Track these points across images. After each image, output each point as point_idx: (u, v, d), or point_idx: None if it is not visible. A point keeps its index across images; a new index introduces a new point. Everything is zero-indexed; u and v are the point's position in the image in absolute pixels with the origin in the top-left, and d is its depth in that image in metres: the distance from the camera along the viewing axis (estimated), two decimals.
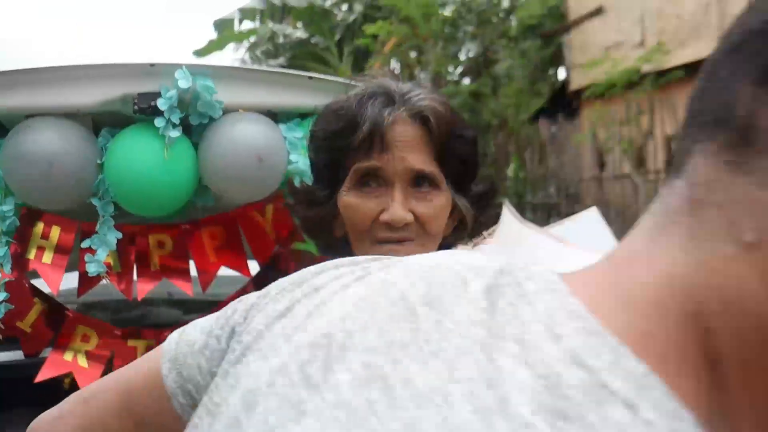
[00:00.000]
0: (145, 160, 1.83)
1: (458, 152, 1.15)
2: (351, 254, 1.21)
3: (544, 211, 9.12)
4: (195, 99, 1.83)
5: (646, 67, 7.48)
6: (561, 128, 9.28)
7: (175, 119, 1.82)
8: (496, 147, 10.84)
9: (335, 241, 1.21)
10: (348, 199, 1.15)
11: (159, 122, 1.81)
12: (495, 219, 1.17)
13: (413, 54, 10.65)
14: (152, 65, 1.81)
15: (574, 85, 10.07)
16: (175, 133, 1.82)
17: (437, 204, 1.14)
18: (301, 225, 1.25)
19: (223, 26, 13.14)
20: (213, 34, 12.89)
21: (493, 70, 10.92)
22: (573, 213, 7.35)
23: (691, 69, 7.38)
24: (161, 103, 1.79)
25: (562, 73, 11.62)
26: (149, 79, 1.82)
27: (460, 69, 11.66)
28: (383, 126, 1.10)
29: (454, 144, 1.14)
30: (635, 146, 7.23)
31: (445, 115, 1.12)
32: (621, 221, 7.62)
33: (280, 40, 13.10)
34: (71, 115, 1.86)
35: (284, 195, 1.27)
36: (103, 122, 1.95)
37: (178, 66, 1.80)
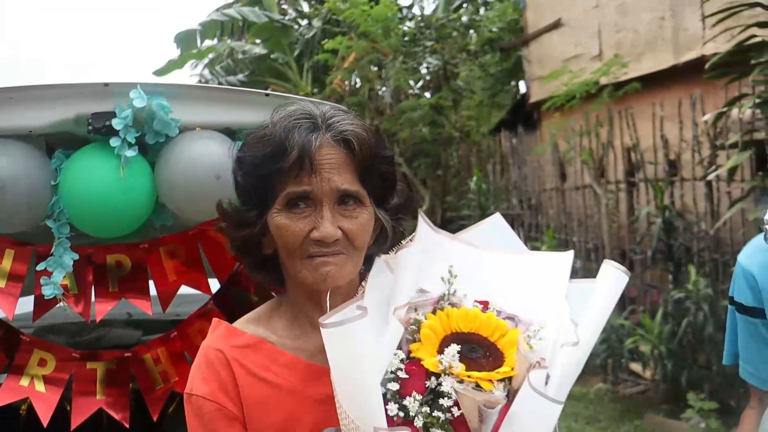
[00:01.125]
0: (101, 181, 1.81)
1: (379, 171, 1.23)
2: (279, 271, 1.28)
3: (507, 221, 9.18)
4: (150, 118, 1.82)
5: (604, 80, 7.61)
6: (521, 140, 9.38)
7: (131, 139, 1.80)
8: (459, 159, 10.92)
9: (264, 258, 1.27)
10: (279, 220, 1.20)
11: (114, 142, 1.79)
12: (413, 228, 1.27)
13: (373, 68, 10.69)
14: (106, 85, 1.80)
15: (534, 98, 10.21)
16: (130, 153, 1.80)
17: (362, 220, 1.21)
18: (231, 245, 1.29)
19: (185, 41, 13.05)
20: (171, 53, 12.78)
21: (454, 84, 11.03)
22: (536, 223, 7.41)
23: (647, 81, 7.55)
24: (116, 123, 1.78)
25: (522, 86, 11.79)
26: (103, 98, 1.80)
27: (420, 83, 11.75)
28: (311, 151, 1.16)
29: (375, 164, 1.22)
30: (595, 157, 7.34)
31: (366, 138, 1.20)
32: (583, 230, 7.73)
33: (239, 56, 13.07)
34: (23, 137, 1.83)
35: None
36: (57, 143, 1.93)
37: (133, 85, 1.79)
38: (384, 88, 11.04)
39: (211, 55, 13.78)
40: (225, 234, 1.28)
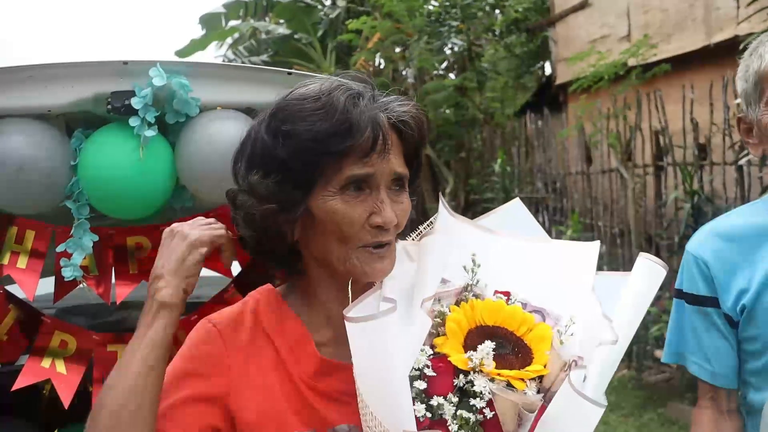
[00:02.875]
0: (120, 161, 1.78)
1: (421, 155, 1.20)
2: (291, 260, 1.18)
3: (531, 206, 9.10)
4: (170, 97, 1.79)
5: (632, 61, 7.45)
6: (547, 123, 9.24)
7: (150, 118, 1.77)
8: (482, 142, 10.82)
9: (286, 245, 1.15)
10: (334, 204, 1.10)
11: (134, 122, 1.76)
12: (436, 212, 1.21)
13: (397, 49, 10.59)
14: (125, 63, 1.76)
15: (560, 80, 10.05)
16: (150, 133, 1.77)
17: (407, 205, 1.16)
18: (247, 224, 1.16)
19: (210, 22, 13.03)
20: (194, 33, 12.77)
21: (479, 65, 10.89)
22: (561, 207, 7.29)
23: (677, 62, 7.38)
24: (135, 102, 1.74)
25: (547, 68, 11.62)
26: (123, 77, 1.77)
27: (445, 64, 11.63)
28: (384, 129, 1.09)
29: (422, 148, 1.18)
30: (622, 140, 7.19)
31: (423, 121, 1.15)
32: (609, 215, 7.61)
33: (263, 36, 13.01)
34: (42, 117, 1.80)
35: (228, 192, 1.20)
36: (77, 123, 1.90)
37: (152, 63, 1.75)
38: (408, 69, 10.95)
39: (235, 36, 13.75)
40: (250, 220, 1.14)
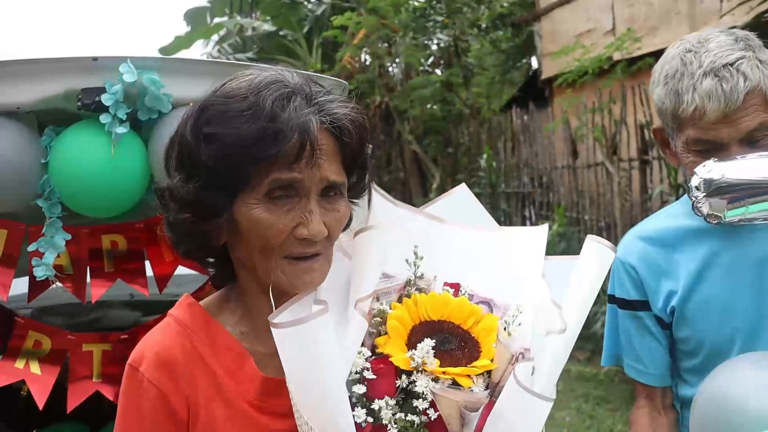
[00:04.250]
0: (92, 159, 1.75)
1: (362, 161, 1.11)
2: (224, 264, 1.13)
3: (517, 201, 9.12)
4: (142, 93, 1.76)
5: (617, 55, 7.47)
6: (533, 117, 9.26)
7: (122, 115, 1.74)
8: (469, 137, 10.82)
9: (212, 250, 1.11)
10: (258, 213, 1.02)
11: (105, 118, 1.73)
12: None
13: (383, 45, 10.57)
14: (95, 59, 1.73)
15: (546, 74, 10.06)
16: (122, 130, 1.74)
17: (343, 213, 1.08)
18: (171, 232, 1.10)
19: (195, 18, 12.95)
20: (178, 29, 12.71)
21: (465, 60, 10.89)
22: (547, 201, 7.30)
23: (661, 56, 7.39)
24: (106, 99, 1.71)
25: (534, 63, 11.63)
26: (93, 73, 1.73)
27: (431, 60, 11.61)
28: (313, 134, 1.00)
29: (359, 151, 1.09)
30: (608, 134, 7.21)
31: (362, 124, 1.07)
32: (595, 209, 7.63)
33: (249, 33, 12.95)
34: (12, 114, 1.77)
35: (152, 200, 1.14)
36: (49, 120, 1.87)
37: (123, 59, 1.72)
38: (394, 65, 10.93)
39: (221, 32, 13.69)
40: (173, 223, 1.08)
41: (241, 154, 0.99)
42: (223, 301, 1.18)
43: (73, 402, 2.03)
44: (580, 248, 1.12)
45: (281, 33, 12.38)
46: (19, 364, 2.04)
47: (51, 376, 2.04)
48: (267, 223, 1.02)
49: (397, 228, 1.12)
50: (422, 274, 1.10)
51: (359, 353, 1.00)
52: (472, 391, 0.99)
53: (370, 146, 1.14)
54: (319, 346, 0.92)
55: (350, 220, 1.15)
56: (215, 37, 13.81)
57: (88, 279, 2.07)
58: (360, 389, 0.97)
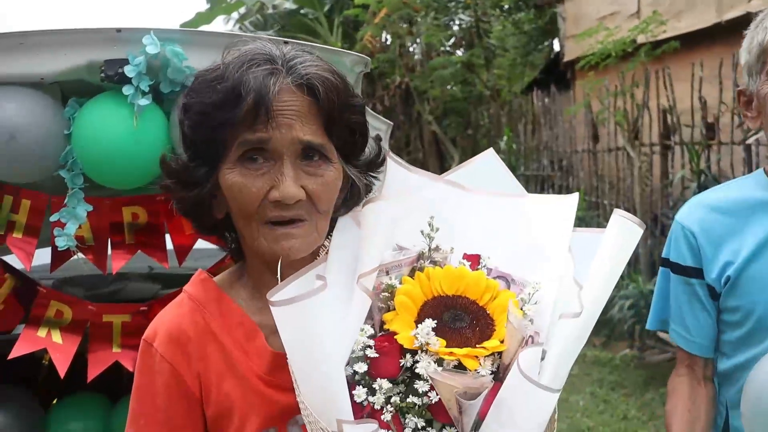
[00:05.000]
0: (114, 130, 1.76)
1: (348, 122, 1.08)
2: (236, 236, 1.14)
3: (537, 184, 9.07)
4: (165, 66, 1.76)
5: (641, 38, 7.35)
6: (554, 100, 9.17)
7: (144, 87, 1.75)
8: (489, 119, 10.75)
9: (217, 222, 1.12)
10: (232, 177, 1.04)
11: (127, 90, 1.74)
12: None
13: (404, 25, 10.50)
14: (119, 30, 1.73)
15: (568, 57, 9.94)
16: (144, 102, 1.75)
17: (328, 178, 1.06)
18: (177, 206, 1.13)
19: None
20: (199, 5, 12.70)
21: (486, 41, 10.79)
22: (567, 186, 7.24)
23: (686, 40, 7.28)
24: (129, 71, 1.72)
25: (556, 45, 11.51)
26: (116, 45, 1.74)
27: (452, 40, 11.53)
28: (269, 96, 1.00)
29: (343, 113, 1.06)
30: (629, 118, 7.13)
31: (333, 83, 1.04)
32: (615, 193, 7.57)
33: (269, 11, 12.91)
34: (36, 85, 1.78)
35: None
36: (72, 91, 1.88)
37: (146, 31, 1.73)
38: (415, 45, 10.86)
39: (241, 10, 13.66)
40: (171, 194, 1.11)
41: (208, 120, 1.03)
42: (235, 275, 1.19)
43: (93, 372, 2.06)
44: None
45: (302, 11, 12.33)
46: (42, 332, 2.07)
47: (72, 345, 2.07)
48: (240, 186, 1.03)
49: (413, 197, 1.08)
50: (437, 246, 1.04)
51: (362, 330, 0.95)
52: (477, 374, 0.93)
53: (359, 109, 1.10)
54: (317, 324, 0.89)
55: (370, 190, 1.14)
56: (236, 15, 13.79)
57: (109, 251, 2.09)
58: (362, 368, 0.93)
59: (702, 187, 5.87)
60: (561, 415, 5.28)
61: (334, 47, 1.96)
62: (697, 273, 1.60)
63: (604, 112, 7.62)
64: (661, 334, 6.31)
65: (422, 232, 1.03)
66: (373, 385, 0.92)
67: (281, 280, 0.92)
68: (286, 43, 1.18)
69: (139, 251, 2.09)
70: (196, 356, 1.11)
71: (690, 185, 6.11)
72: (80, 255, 2.01)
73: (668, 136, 6.85)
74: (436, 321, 0.95)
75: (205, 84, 1.04)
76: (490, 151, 1.18)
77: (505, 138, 9.07)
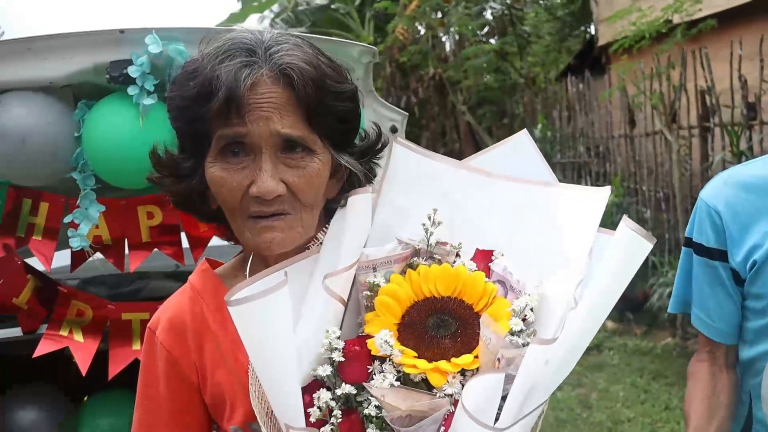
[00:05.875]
0: (121, 131, 1.78)
1: (333, 110, 1.03)
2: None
3: (573, 171, 8.93)
4: (168, 64, 1.77)
5: (676, 18, 7.16)
6: (589, 86, 9.00)
7: (149, 86, 1.76)
8: (524, 107, 10.62)
9: (213, 213, 1.10)
10: (213, 171, 1.02)
11: (132, 90, 1.75)
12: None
13: (435, 15, 10.43)
14: (122, 32, 1.75)
15: (602, 40, 9.76)
16: (149, 101, 1.76)
17: (311, 170, 1.02)
18: (170, 199, 1.13)
19: None
20: (231, 5, 12.80)
21: (519, 29, 10.66)
22: (604, 172, 7.09)
23: (724, 17, 7.08)
24: (132, 71, 1.74)
25: (591, 30, 11.31)
26: (120, 46, 1.76)
27: (486, 29, 11.42)
28: (240, 90, 0.97)
29: (326, 102, 1.02)
30: (666, 101, 6.95)
31: (311, 71, 1.00)
32: (653, 179, 7.40)
33: (302, 7, 12.96)
34: (46, 89, 1.81)
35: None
36: (84, 94, 1.91)
37: (148, 31, 1.74)
38: (447, 36, 10.78)
39: (274, 8, 13.75)
40: (161, 187, 1.11)
41: (187, 113, 1.02)
42: (237, 267, 1.19)
43: (114, 369, 2.10)
44: (637, 221, 0.96)
45: (333, 6, 12.35)
46: (64, 331, 2.12)
47: (93, 343, 2.11)
48: (220, 180, 1.02)
49: (425, 186, 1.02)
50: (436, 242, 0.97)
51: (327, 332, 0.90)
52: (443, 391, 0.84)
53: (345, 95, 1.05)
54: (269, 326, 0.84)
55: (371, 179, 1.11)
56: (268, 13, 13.89)
57: (127, 250, 2.12)
58: (325, 371, 0.88)
59: None
60: (601, 405, 5.20)
61: (366, 44, 1.94)
62: (721, 255, 1.48)
63: (639, 96, 7.46)
64: None
65: (423, 224, 0.97)
66: (336, 390, 0.87)
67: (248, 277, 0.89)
68: (272, 27, 1.15)
69: (155, 250, 2.11)
70: (193, 345, 1.14)
71: (730, 167, 5.94)
72: (97, 255, 2.05)
73: (707, 118, 6.67)
74: (417, 325, 0.89)
75: (184, 77, 1.03)
76: (524, 132, 1.09)
77: (539, 126, 8.95)
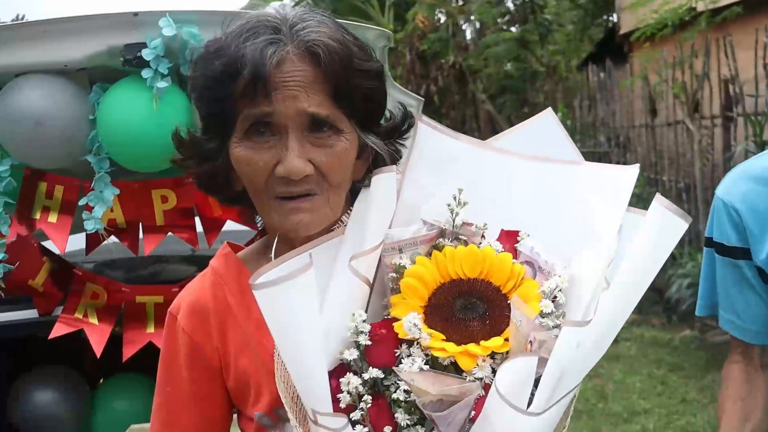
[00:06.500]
0: (136, 114, 1.78)
1: (360, 88, 1.00)
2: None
3: (594, 160, 8.82)
4: (183, 47, 1.77)
5: (700, 5, 7.05)
6: (610, 74, 8.91)
7: (163, 69, 1.76)
8: (544, 96, 10.54)
9: (237, 194, 1.09)
10: (239, 151, 1.00)
11: (146, 73, 1.75)
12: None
13: (456, 3, 10.36)
14: (135, 14, 1.75)
15: (624, 29, 9.64)
16: (163, 84, 1.76)
17: (339, 150, 1.00)
18: (194, 181, 1.11)
19: None
20: None
21: (540, 17, 10.56)
22: (625, 162, 7.04)
23: (749, 4, 6.95)
24: (146, 54, 1.73)
25: (614, 18, 11.18)
26: (134, 29, 1.76)
27: (507, 17, 11.32)
28: (266, 68, 0.95)
29: (353, 80, 0.99)
30: (689, 91, 6.86)
31: (337, 48, 0.97)
32: (674, 169, 7.32)
33: None
34: (62, 72, 1.82)
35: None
36: (98, 77, 1.91)
37: (163, 14, 1.74)
38: (467, 24, 10.71)
39: None
40: (185, 169, 1.10)
41: (211, 93, 1.00)
42: (260, 251, 1.17)
43: (128, 352, 2.11)
44: None
45: None
46: (79, 314, 2.13)
47: (108, 326, 2.13)
48: (245, 160, 1.00)
49: (448, 165, 1.00)
50: (462, 223, 0.94)
51: (353, 315, 0.88)
52: (473, 375, 0.82)
53: (372, 74, 1.02)
54: (295, 311, 0.82)
55: (397, 159, 1.09)
56: (288, 1, 13.87)
57: (141, 233, 2.13)
58: (352, 354, 0.87)
59: None
60: (617, 396, 5.17)
61: (353, 21, 1.92)
62: (744, 254, 1.43)
63: (661, 85, 7.36)
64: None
65: (448, 205, 0.95)
66: (363, 375, 0.86)
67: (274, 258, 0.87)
68: (297, 5, 1.12)
69: (169, 233, 2.12)
70: (215, 330, 1.12)
71: None
72: (112, 239, 2.05)
73: (730, 108, 6.56)
74: (444, 308, 0.87)
75: (207, 56, 1.01)
76: (549, 111, 1.07)
77: (560, 115, 8.87)
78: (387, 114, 1.10)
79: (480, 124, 11.86)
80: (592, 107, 9.16)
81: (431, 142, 1.00)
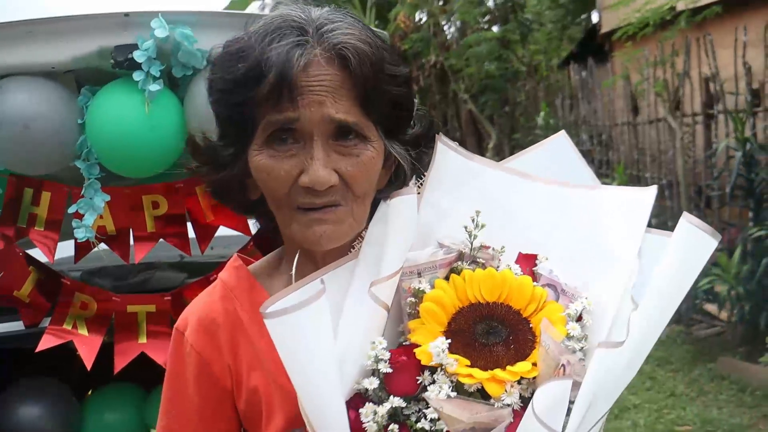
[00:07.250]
0: (126, 118, 1.72)
1: (389, 94, 0.95)
2: (273, 219, 1.03)
3: None
4: (175, 49, 1.72)
5: (680, 5, 7.09)
6: (592, 73, 8.94)
7: (155, 72, 1.70)
8: (526, 95, 10.56)
9: (253, 203, 1.03)
10: (259, 160, 0.94)
11: (137, 76, 1.69)
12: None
13: (437, 3, 10.35)
14: (126, 14, 1.69)
15: (605, 28, 9.69)
16: (155, 87, 1.70)
17: (365, 159, 0.94)
18: (207, 189, 1.05)
19: None
20: None
21: (521, 16, 10.59)
22: (607, 160, 7.06)
23: (729, 4, 7.00)
24: (138, 56, 1.68)
25: (594, 17, 11.23)
26: (125, 30, 1.70)
27: (488, 17, 11.33)
28: (293, 72, 0.89)
29: (382, 86, 0.94)
30: (670, 89, 6.90)
31: (368, 52, 0.92)
32: (656, 166, 7.36)
33: None
34: (49, 74, 1.75)
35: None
36: (86, 79, 1.85)
37: (154, 14, 1.68)
38: (449, 23, 10.71)
39: None
40: (200, 176, 1.03)
41: (231, 97, 0.94)
42: (272, 264, 1.11)
43: (120, 363, 2.05)
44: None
45: None
46: (67, 325, 2.07)
47: (98, 336, 2.06)
48: (267, 169, 0.94)
49: (464, 187, 0.97)
50: (480, 246, 0.92)
51: (373, 344, 0.85)
52: (497, 404, 0.79)
53: (401, 79, 0.97)
54: (308, 340, 0.79)
55: (418, 173, 1.03)
56: (270, 0, 13.78)
57: (131, 240, 2.07)
58: (372, 383, 0.83)
59: (747, 156, 5.66)
60: None
61: None
62: None
63: (643, 84, 7.40)
64: (708, 308, 6.14)
65: (465, 227, 0.92)
66: (384, 404, 0.82)
67: (295, 279, 0.83)
68: (320, 6, 1.07)
69: (161, 240, 2.06)
70: (226, 346, 1.06)
71: (735, 154, 5.90)
72: (101, 246, 1.99)
73: (711, 105, 6.61)
74: (465, 333, 0.84)
75: (228, 58, 0.95)
76: (562, 133, 1.06)
77: (542, 114, 8.89)
78: (412, 122, 1.04)
79: (462, 124, 11.86)
80: (574, 106, 9.19)
81: (448, 162, 0.98)
